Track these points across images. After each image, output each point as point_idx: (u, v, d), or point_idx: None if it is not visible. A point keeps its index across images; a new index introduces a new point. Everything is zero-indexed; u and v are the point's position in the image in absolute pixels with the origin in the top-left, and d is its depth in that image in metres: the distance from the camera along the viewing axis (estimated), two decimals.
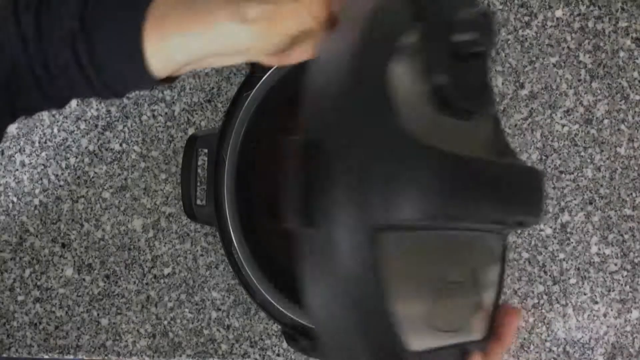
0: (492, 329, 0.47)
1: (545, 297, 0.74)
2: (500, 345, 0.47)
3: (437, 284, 0.41)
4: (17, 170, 0.75)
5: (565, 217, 0.75)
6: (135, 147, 0.75)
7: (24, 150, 0.75)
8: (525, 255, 0.75)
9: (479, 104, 0.43)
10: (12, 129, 0.75)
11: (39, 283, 0.75)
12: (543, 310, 0.74)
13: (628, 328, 0.75)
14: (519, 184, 0.43)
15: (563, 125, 0.75)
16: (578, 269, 0.75)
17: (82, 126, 0.75)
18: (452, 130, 0.42)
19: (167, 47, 0.47)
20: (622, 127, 0.75)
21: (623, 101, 0.75)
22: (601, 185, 0.75)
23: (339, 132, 0.36)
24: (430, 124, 0.41)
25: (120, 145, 0.75)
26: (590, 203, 0.75)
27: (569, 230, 0.75)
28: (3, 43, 0.47)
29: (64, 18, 0.47)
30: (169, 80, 0.51)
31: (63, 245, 0.75)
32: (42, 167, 0.75)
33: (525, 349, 0.74)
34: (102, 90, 0.49)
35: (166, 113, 0.75)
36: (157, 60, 0.48)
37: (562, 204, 0.75)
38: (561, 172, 0.75)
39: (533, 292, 0.75)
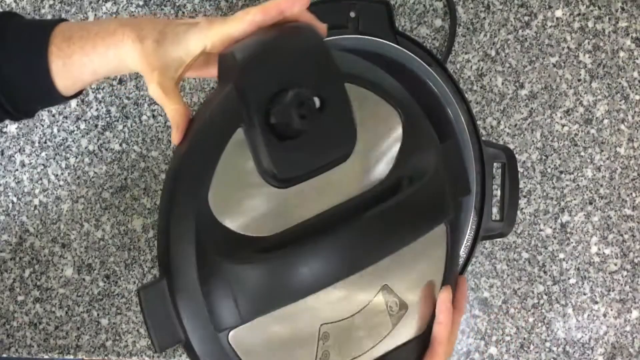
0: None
1: (545, 297, 0.74)
2: (459, 314, 0.52)
3: (318, 338, 0.49)
4: (17, 170, 0.75)
5: (565, 217, 0.75)
6: (135, 147, 0.75)
7: (24, 150, 0.75)
8: (525, 255, 0.75)
9: (323, 167, 0.48)
10: (12, 128, 0.75)
11: (39, 283, 0.75)
12: (543, 310, 0.74)
13: (628, 328, 0.75)
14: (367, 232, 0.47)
15: (563, 125, 0.75)
16: (578, 269, 0.75)
17: (82, 126, 0.75)
18: (318, 185, 0.48)
19: (73, 68, 0.50)
20: (622, 127, 0.75)
21: (623, 101, 0.75)
22: (601, 185, 0.75)
23: (172, 267, 0.47)
24: (279, 196, 0.48)
25: (120, 145, 0.75)
26: (590, 203, 0.75)
27: (569, 230, 0.75)
28: None
29: None
30: (78, 94, 0.54)
31: (63, 245, 0.75)
32: (42, 167, 0.75)
33: (525, 349, 0.75)
34: (13, 112, 0.52)
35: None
36: (64, 79, 0.51)
37: (562, 204, 0.75)
38: (561, 172, 0.75)
39: (533, 292, 0.75)
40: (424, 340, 0.51)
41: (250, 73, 0.47)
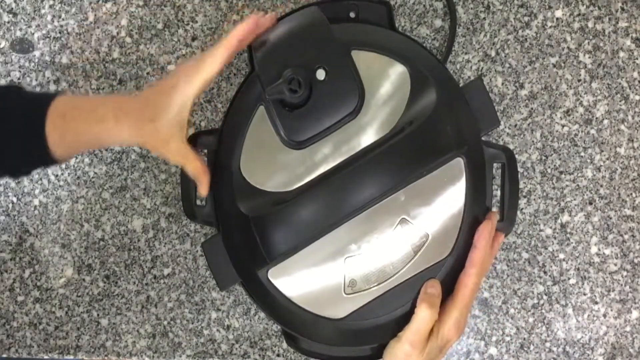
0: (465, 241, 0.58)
1: (545, 297, 0.74)
2: (477, 251, 0.58)
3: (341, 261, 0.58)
4: None
5: (565, 217, 0.75)
6: (135, 147, 0.75)
7: None
8: (525, 255, 0.75)
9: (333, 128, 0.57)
10: None
11: (39, 283, 0.75)
12: (543, 310, 0.74)
13: (628, 328, 0.75)
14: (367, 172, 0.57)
15: (563, 125, 0.75)
16: (578, 269, 0.75)
17: None
18: (333, 141, 0.57)
19: (67, 143, 0.55)
20: (622, 127, 0.75)
21: (623, 101, 0.75)
22: (601, 186, 0.75)
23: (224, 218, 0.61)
24: (299, 156, 0.57)
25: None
26: (590, 203, 0.75)
27: (569, 230, 0.75)
28: None
29: None
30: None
31: (63, 245, 0.75)
32: (42, 167, 0.75)
33: (525, 349, 0.75)
34: (10, 176, 0.58)
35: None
36: (60, 149, 0.55)
37: (562, 204, 0.75)
38: (561, 172, 0.75)
39: (533, 292, 0.75)
40: (452, 262, 0.57)
41: (264, 63, 0.57)
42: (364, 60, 0.58)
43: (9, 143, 0.55)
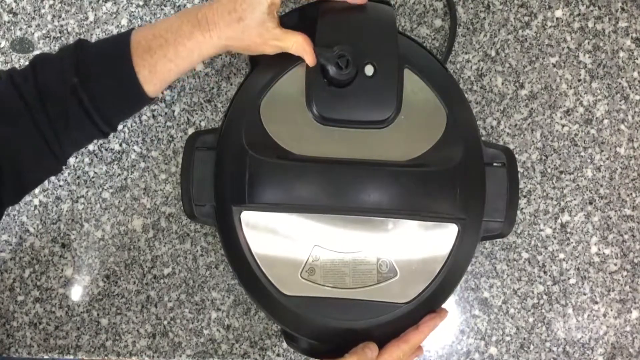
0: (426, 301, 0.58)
1: (545, 297, 0.74)
2: (417, 333, 0.58)
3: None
4: None
5: (565, 217, 0.75)
6: (135, 147, 0.75)
7: None
8: (525, 255, 0.75)
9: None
10: None
11: (39, 283, 0.75)
12: (543, 310, 0.74)
13: (628, 328, 0.75)
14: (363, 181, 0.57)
15: (563, 125, 0.75)
16: (578, 269, 0.74)
17: None
18: (349, 137, 0.57)
19: (159, 74, 0.55)
20: (622, 127, 0.75)
21: (623, 101, 0.75)
22: (601, 185, 0.75)
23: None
24: (316, 135, 0.57)
25: (120, 145, 0.75)
26: (590, 203, 0.75)
27: (569, 230, 0.75)
28: (13, 117, 0.53)
29: (63, 75, 0.53)
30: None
31: (63, 245, 0.75)
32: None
33: (525, 349, 0.74)
34: (109, 130, 0.57)
35: (166, 113, 0.75)
36: (152, 84, 0.55)
37: (562, 204, 0.75)
38: (561, 172, 0.75)
39: (533, 292, 0.75)
40: (405, 311, 0.58)
41: (325, 25, 0.58)
42: (413, 83, 0.59)
43: (103, 93, 0.54)
